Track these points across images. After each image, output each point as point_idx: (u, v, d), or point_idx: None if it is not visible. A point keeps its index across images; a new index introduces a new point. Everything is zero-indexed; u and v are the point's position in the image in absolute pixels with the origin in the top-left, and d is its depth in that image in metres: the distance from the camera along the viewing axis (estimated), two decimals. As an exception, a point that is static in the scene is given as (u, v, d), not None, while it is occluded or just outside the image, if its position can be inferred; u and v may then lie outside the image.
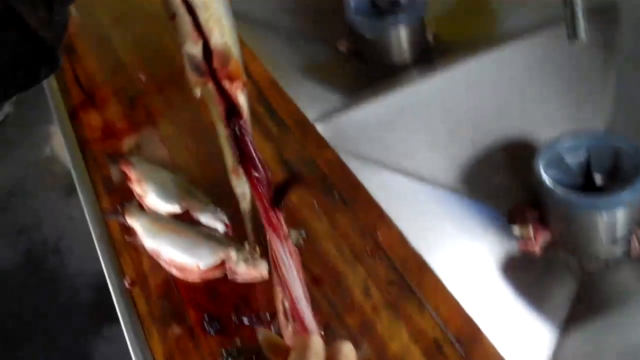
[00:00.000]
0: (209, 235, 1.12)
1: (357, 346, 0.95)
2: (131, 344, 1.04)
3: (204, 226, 1.16)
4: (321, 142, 1.28)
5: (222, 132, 0.78)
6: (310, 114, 1.35)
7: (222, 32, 0.69)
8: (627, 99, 1.50)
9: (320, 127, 1.32)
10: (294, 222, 1.14)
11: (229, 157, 0.80)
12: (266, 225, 0.77)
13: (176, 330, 1.03)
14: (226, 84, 0.72)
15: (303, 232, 1.13)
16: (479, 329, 0.95)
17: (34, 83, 0.76)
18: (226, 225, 1.14)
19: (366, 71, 1.86)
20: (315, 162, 1.24)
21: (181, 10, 0.68)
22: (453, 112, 1.50)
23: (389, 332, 0.97)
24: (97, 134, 1.40)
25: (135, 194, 1.23)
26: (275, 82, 1.44)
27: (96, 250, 2.24)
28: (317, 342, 0.77)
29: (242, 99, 0.73)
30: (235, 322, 1.02)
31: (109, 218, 1.22)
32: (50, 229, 2.58)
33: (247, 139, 0.76)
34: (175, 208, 1.19)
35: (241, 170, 0.81)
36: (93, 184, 1.30)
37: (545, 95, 1.52)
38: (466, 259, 1.34)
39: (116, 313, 1.08)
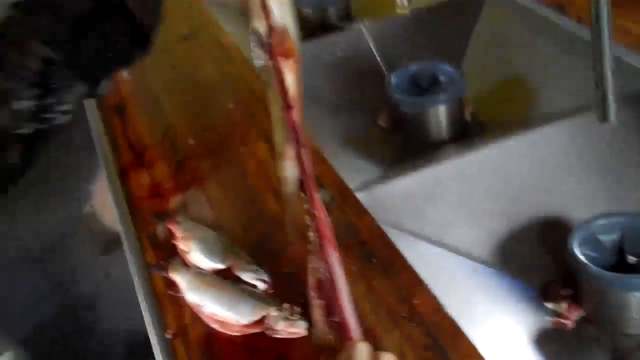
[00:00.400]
0: (250, 292, 1.16)
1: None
2: (171, 396, 1.07)
3: (246, 283, 1.19)
4: (360, 209, 1.32)
5: (276, 113, 0.82)
6: (350, 183, 1.39)
7: (282, 15, 0.75)
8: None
9: (359, 196, 1.36)
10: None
11: (279, 138, 0.83)
12: (318, 224, 0.82)
13: (215, 383, 1.06)
14: (282, 60, 0.76)
15: (341, 295, 1.16)
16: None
17: (131, 62, 0.95)
18: (267, 283, 1.18)
19: (405, 146, 1.92)
20: (355, 227, 1.28)
21: None
22: (490, 187, 1.54)
23: (423, 396, 0.99)
24: (144, 192, 1.45)
25: (179, 251, 1.28)
26: (316, 149, 1.49)
27: (130, 308, 2.28)
28: (364, 349, 0.79)
29: (290, 77, 0.77)
30: (272, 378, 1.04)
31: (154, 272, 1.26)
32: (86, 285, 2.62)
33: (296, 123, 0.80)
34: (218, 265, 1.23)
35: (288, 155, 0.83)
36: (139, 240, 1.34)
37: (581, 175, 1.56)
38: (499, 331, 1.36)
39: None
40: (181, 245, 1.28)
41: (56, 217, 2.70)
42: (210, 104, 1.72)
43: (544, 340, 1.35)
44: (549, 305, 1.39)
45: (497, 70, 2.02)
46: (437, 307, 1.11)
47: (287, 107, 0.78)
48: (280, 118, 0.81)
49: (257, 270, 1.20)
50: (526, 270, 1.47)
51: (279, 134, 0.83)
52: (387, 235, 1.26)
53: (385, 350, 1.05)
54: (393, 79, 1.91)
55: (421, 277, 1.17)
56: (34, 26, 0.81)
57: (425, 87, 1.93)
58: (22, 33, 0.81)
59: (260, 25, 0.75)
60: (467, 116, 1.94)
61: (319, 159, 1.47)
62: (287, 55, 0.76)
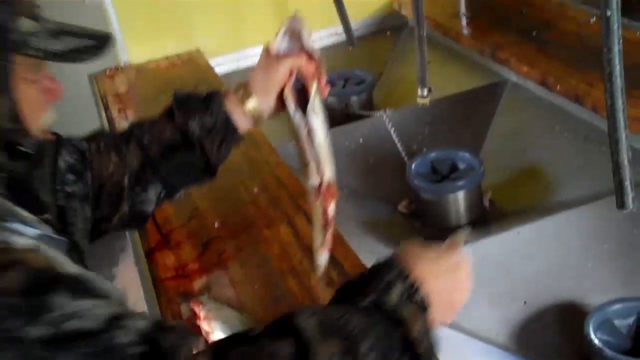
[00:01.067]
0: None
1: None
2: None
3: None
4: (380, 292, 1.35)
5: (318, 237, 1.22)
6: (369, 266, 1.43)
7: (330, 172, 1.18)
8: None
9: (379, 279, 1.39)
10: None
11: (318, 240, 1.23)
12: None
13: None
14: (328, 199, 1.19)
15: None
16: None
17: (200, 182, 1.28)
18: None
19: (424, 231, 1.95)
20: (374, 310, 1.31)
21: (312, 159, 1.16)
22: (508, 272, 1.57)
23: None
24: (170, 273, 1.49)
25: (202, 331, 1.31)
26: (339, 235, 1.54)
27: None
28: None
29: (332, 208, 1.20)
30: None
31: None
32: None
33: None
34: (239, 345, 1.26)
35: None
36: (164, 318, 1.38)
37: (597, 260, 1.58)
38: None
39: None
40: (204, 325, 1.32)
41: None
42: (235, 188, 1.77)
43: None
44: (567, 390, 1.40)
45: (515, 158, 2.07)
46: (453, 389, 1.13)
47: (327, 225, 1.21)
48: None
49: (277, 349, 1.23)
50: (544, 354, 1.48)
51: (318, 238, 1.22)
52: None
53: None
54: (413, 166, 1.96)
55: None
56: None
57: (444, 174, 1.98)
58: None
59: (316, 181, 1.17)
60: (486, 203, 1.98)
61: (339, 242, 1.51)
62: (332, 197, 1.19)
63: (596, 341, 1.34)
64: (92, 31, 0.94)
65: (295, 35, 1.18)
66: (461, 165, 1.97)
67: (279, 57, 1.16)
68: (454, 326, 1.52)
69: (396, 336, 0.78)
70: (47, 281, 0.65)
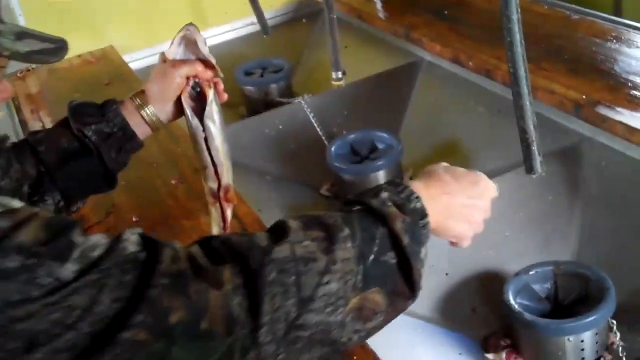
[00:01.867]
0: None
1: None
2: None
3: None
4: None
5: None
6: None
7: (228, 176, 1.21)
8: (592, 230, 1.59)
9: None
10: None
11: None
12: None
13: None
14: (224, 204, 1.22)
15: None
16: None
17: (98, 192, 1.27)
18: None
19: (347, 212, 1.96)
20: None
21: (209, 164, 1.19)
22: (429, 246, 1.58)
23: None
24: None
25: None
26: (258, 219, 1.53)
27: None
28: None
29: (229, 213, 1.24)
30: None
31: None
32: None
33: None
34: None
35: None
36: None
37: (514, 229, 1.61)
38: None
39: None
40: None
41: None
42: (152, 182, 1.75)
43: (486, 391, 1.37)
44: (489, 356, 1.42)
45: (433, 135, 2.09)
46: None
47: (224, 228, 1.24)
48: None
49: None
50: (467, 323, 1.50)
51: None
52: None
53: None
54: (333, 148, 1.97)
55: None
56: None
57: (364, 154, 1.99)
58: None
59: (213, 185, 1.20)
60: (407, 180, 1.99)
61: (259, 227, 1.51)
62: (229, 201, 1.22)
63: (516, 306, 1.36)
64: (48, 35, 0.94)
65: (190, 43, 1.18)
66: (380, 145, 1.98)
67: (175, 64, 1.17)
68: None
69: (378, 229, 0.80)
70: (61, 226, 0.69)
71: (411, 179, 1.99)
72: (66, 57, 2.47)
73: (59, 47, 0.94)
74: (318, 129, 2.13)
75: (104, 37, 2.62)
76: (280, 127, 2.18)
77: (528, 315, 1.34)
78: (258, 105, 2.45)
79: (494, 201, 1.01)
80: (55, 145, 1.17)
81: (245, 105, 2.55)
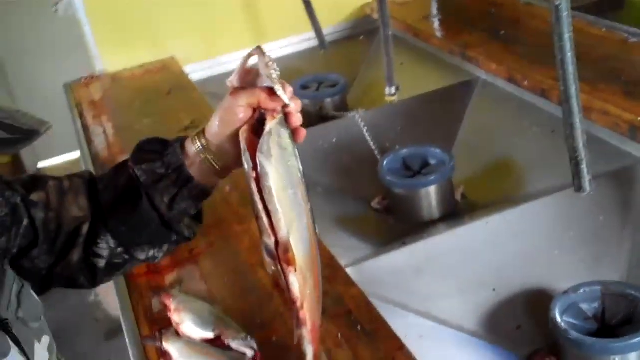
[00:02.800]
0: (235, 358, 1.21)
1: None
2: None
3: (234, 351, 1.24)
4: (348, 281, 1.38)
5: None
6: (342, 260, 1.45)
7: (287, 230, 0.93)
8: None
9: (350, 271, 1.42)
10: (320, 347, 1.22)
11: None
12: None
13: None
14: (284, 266, 0.95)
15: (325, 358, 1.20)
16: None
17: (165, 242, 1.08)
18: (255, 351, 1.22)
19: (397, 226, 1.98)
20: (342, 298, 1.33)
21: (262, 214, 0.92)
22: (476, 261, 1.59)
23: None
24: (142, 269, 1.51)
25: (173, 323, 1.32)
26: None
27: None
28: None
29: (292, 279, 0.95)
30: None
31: (147, 343, 1.31)
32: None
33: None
34: (208, 334, 1.27)
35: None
36: (135, 314, 1.39)
37: (564, 248, 1.61)
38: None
39: None
40: (174, 317, 1.33)
41: (62, 305, 2.75)
42: (207, 188, 1.79)
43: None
44: (535, 373, 1.42)
45: (486, 153, 2.10)
46: (418, 370, 1.16)
47: (292, 302, 0.97)
48: None
49: (246, 338, 1.25)
50: (512, 340, 1.50)
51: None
52: (372, 306, 1.31)
53: (367, 410, 1.10)
54: (385, 162, 1.99)
55: (405, 344, 1.22)
56: None
57: (416, 169, 2.00)
58: None
59: (269, 240, 0.94)
60: (458, 197, 2.01)
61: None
62: (288, 263, 0.94)
63: (562, 324, 1.36)
64: (22, 122, 0.87)
65: (255, 68, 0.97)
66: (432, 161, 2.00)
67: (234, 93, 0.96)
68: (425, 314, 1.54)
69: None
70: None
71: (463, 195, 2.03)
72: (129, 66, 2.54)
73: (17, 139, 0.86)
74: (371, 144, 2.16)
75: (166, 49, 2.69)
76: (334, 140, 2.21)
77: (574, 334, 1.34)
78: (313, 119, 2.47)
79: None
80: (113, 184, 1.05)
81: (300, 119, 2.59)
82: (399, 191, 1.96)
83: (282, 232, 0.92)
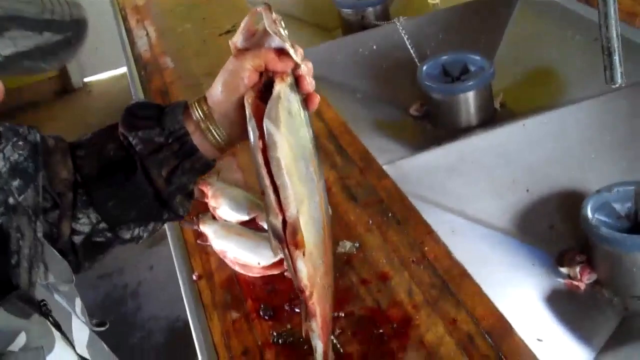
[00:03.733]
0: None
1: (394, 339, 1.04)
2: (194, 327, 1.15)
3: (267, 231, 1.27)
4: (381, 173, 1.40)
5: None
6: (378, 161, 1.46)
7: (296, 208, 0.81)
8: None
9: (386, 169, 1.43)
10: (349, 235, 1.25)
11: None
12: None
13: (234, 315, 1.13)
14: (292, 249, 0.83)
15: (357, 243, 1.23)
16: (511, 327, 1.02)
17: (157, 220, 0.94)
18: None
19: (434, 132, 1.98)
20: (374, 188, 1.36)
21: (269, 189, 0.81)
22: (512, 162, 1.59)
23: (427, 325, 1.05)
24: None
25: (210, 208, 1.36)
26: (344, 123, 1.57)
27: (171, 298, 2.36)
28: None
29: (300, 265, 0.84)
30: (287, 311, 1.12)
31: (185, 226, 1.35)
32: (131, 275, 2.75)
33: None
34: (243, 217, 1.31)
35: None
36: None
37: (600, 152, 1.60)
38: (516, 294, 1.40)
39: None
40: (211, 202, 1.37)
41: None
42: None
43: (558, 301, 1.39)
44: (564, 269, 1.43)
45: (527, 62, 2.07)
46: (446, 254, 1.18)
47: (300, 291, 0.85)
48: None
49: (279, 220, 1.28)
50: (544, 239, 1.51)
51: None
52: (404, 195, 1.33)
53: (395, 287, 1.13)
54: (424, 67, 1.98)
55: (434, 230, 1.24)
56: None
57: (455, 76, 1.99)
58: None
59: (275, 220, 0.82)
60: (497, 105, 2.00)
61: (346, 131, 1.55)
62: (297, 246, 0.83)
63: (593, 221, 1.37)
64: (59, 15, 0.64)
65: (263, 27, 0.84)
66: (472, 68, 1.98)
67: (238, 55, 0.84)
68: (458, 212, 1.55)
69: None
70: None
71: (502, 104, 2.02)
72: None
73: (66, 39, 0.64)
74: (411, 50, 2.14)
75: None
76: (374, 47, 2.20)
77: (605, 230, 1.34)
78: (354, 28, 2.46)
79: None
80: (97, 152, 0.90)
81: (342, 28, 2.57)
82: (438, 96, 1.96)
83: (291, 211, 0.81)
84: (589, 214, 1.39)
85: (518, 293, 1.40)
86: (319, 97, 0.86)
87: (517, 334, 1.01)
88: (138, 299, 2.67)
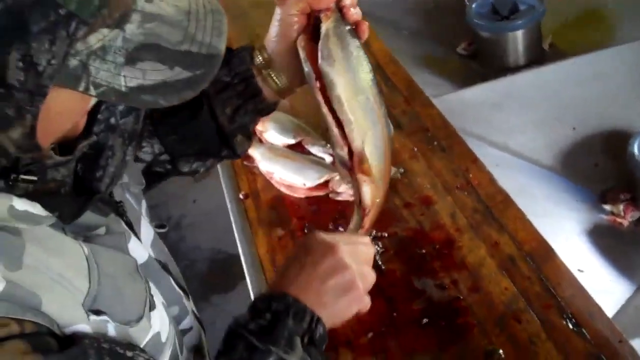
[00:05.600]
0: (316, 161, 1.26)
1: (436, 259, 1.05)
2: (239, 242, 1.18)
3: (313, 155, 1.29)
4: (427, 102, 1.40)
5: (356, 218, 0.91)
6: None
7: (362, 139, 0.84)
8: None
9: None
10: (394, 162, 1.25)
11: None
12: None
13: (280, 232, 1.16)
14: (360, 176, 0.86)
15: (402, 169, 1.24)
16: (553, 251, 1.03)
17: (216, 156, 0.95)
18: (333, 157, 1.27)
19: (481, 70, 1.97)
20: (419, 116, 1.36)
21: (333, 125, 0.83)
22: (559, 99, 1.59)
23: (469, 247, 1.06)
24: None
25: (256, 132, 1.38)
26: (390, 55, 1.57)
27: (213, 230, 2.40)
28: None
29: (366, 188, 0.87)
30: (332, 230, 1.14)
31: (232, 148, 1.37)
32: (175, 208, 2.79)
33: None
34: (289, 140, 1.33)
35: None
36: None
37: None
38: (558, 228, 1.41)
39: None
40: (258, 127, 1.38)
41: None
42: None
43: (600, 236, 1.39)
44: (607, 207, 1.43)
45: (578, 2, 2.04)
46: (490, 181, 1.18)
47: (360, 207, 0.88)
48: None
49: (325, 144, 1.30)
50: (588, 176, 1.51)
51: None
52: (449, 123, 1.34)
53: (438, 211, 1.14)
54: (474, 6, 1.96)
55: (479, 158, 1.25)
56: None
57: (504, 15, 1.97)
58: None
59: (342, 152, 0.84)
60: (546, 46, 1.98)
61: (392, 61, 1.55)
62: (363, 173, 0.86)
63: (640, 158, 1.36)
64: (197, 46, 0.60)
65: None
66: (522, 7, 1.96)
67: (283, 1, 0.83)
68: (502, 147, 1.56)
69: None
70: None
71: (551, 45, 1.99)
72: None
73: (195, 77, 0.60)
74: (461, -12, 2.12)
75: None
76: (423, -17, 2.19)
77: (652, 167, 1.34)
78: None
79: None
80: None
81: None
82: (486, 34, 1.94)
83: (356, 143, 0.83)
84: (636, 151, 1.38)
85: (561, 226, 1.40)
86: (367, 24, 0.85)
87: (558, 258, 1.02)
88: (181, 230, 2.72)
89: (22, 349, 0.53)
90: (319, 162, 1.26)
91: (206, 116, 0.89)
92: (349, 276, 0.77)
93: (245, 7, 1.91)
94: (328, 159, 1.28)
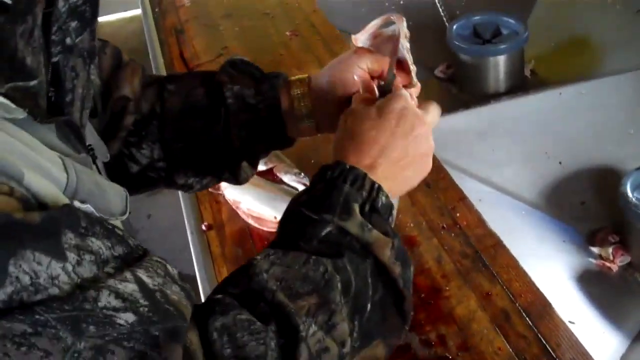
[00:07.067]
0: (289, 191, 1.15)
1: (421, 309, 0.95)
2: (200, 279, 1.06)
3: (286, 184, 1.18)
4: (410, 131, 1.30)
5: None
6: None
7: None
8: None
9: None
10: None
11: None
12: None
13: (246, 271, 1.04)
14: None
15: (382, 204, 1.14)
16: (551, 306, 0.93)
17: (215, 174, 0.92)
18: (306, 186, 1.16)
19: (460, 96, 1.88)
20: (402, 146, 1.26)
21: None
22: (545, 131, 1.50)
23: (457, 297, 0.96)
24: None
25: (223, 155, 1.27)
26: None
27: (170, 247, 2.27)
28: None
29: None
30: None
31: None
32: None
33: None
34: (260, 167, 1.21)
35: None
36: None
37: (638, 126, 1.51)
38: (544, 271, 1.31)
39: None
40: (225, 149, 1.27)
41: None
42: (267, 31, 1.71)
43: (589, 282, 1.30)
44: (595, 249, 1.34)
45: (562, 29, 1.96)
46: (479, 221, 1.08)
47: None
48: None
49: (299, 173, 1.19)
50: (575, 215, 1.42)
51: None
52: (434, 156, 1.23)
53: (422, 253, 1.04)
54: (454, 27, 1.87)
55: (467, 196, 1.15)
56: None
57: (486, 38, 1.88)
58: None
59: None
60: (527, 72, 1.90)
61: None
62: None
63: (633, 199, 1.27)
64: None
65: (389, 34, 0.86)
66: (505, 31, 1.87)
67: (359, 51, 0.84)
68: (485, 181, 1.46)
69: (366, 264, 0.66)
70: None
71: (532, 71, 1.91)
72: None
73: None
74: (440, 9, 2.04)
75: None
76: (401, 2, 2.10)
77: (646, 210, 1.25)
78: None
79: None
80: (186, 91, 0.88)
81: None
82: (467, 58, 1.85)
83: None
84: (628, 191, 1.29)
85: (547, 270, 1.31)
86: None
87: (557, 314, 0.92)
88: (135, 248, 2.59)
89: (15, 206, 0.48)
90: (291, 193, 1.14)
91: (220, 132, 0.86)
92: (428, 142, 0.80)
93: (215, 18, 1.79)
94: (301, 188, 1.17)
